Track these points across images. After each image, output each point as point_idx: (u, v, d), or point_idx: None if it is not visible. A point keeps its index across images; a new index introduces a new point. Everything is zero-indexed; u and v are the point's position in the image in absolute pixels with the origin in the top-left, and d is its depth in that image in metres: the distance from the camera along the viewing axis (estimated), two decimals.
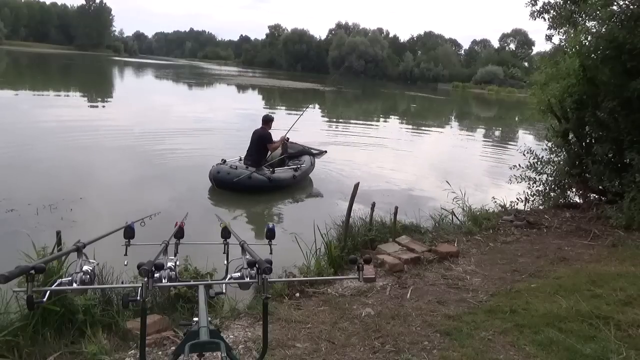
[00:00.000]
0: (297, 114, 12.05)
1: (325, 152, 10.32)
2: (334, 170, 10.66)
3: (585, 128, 7.36)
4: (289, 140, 9.25)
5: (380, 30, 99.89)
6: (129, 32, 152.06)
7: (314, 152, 9.96)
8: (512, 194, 7.80)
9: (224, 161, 8.28)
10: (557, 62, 7.40)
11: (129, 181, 8.46)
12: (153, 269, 1.22)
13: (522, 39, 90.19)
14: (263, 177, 8.05)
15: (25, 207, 6.18)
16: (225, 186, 7.90)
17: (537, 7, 7.75)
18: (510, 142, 20.00)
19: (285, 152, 9.15)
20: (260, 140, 8.50)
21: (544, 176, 7.80)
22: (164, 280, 1.40)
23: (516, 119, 30.55)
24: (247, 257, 1.49)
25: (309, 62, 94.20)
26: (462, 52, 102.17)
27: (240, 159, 8.54)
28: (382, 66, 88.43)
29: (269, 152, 8.84)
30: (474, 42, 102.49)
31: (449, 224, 6.36)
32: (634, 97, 6.30)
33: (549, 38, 8.01)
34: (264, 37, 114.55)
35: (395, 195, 8.72)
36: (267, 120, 8.66)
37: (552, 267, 4.72)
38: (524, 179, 7.83)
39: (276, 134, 8.96)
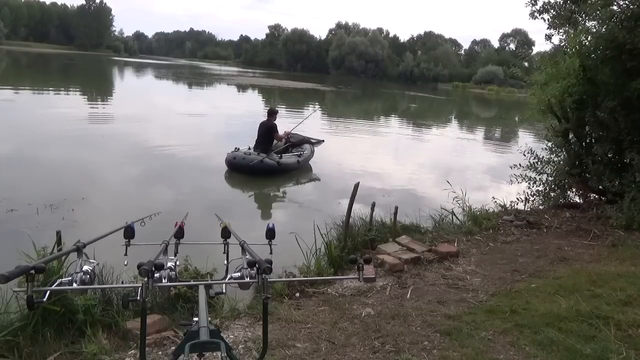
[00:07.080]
0: (297, 113, 12.46)
1: (323, 141, 11.30)
2: (334, 170, 10.70)
3: (585, 128, 7.37)
4: (291, 131, 10.56)
5: (380, 30, 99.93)
6: (129, 32, 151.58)
7: (313, 141, 11.02)
8: (512, 194, 7.80)
9: (237, 149, 9.31)
10: (557, 62, 7.40)
11: (130, 181, 8.47)
12: (153, 269, 1.22)
13: (522, 39, 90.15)
14: (273, 162, 9.20)
15: (26, 207, 6.17)
16: (241, 170, 8.99)
17: (537, 7, 7.77)
18: (510, 142, 19.99)
19: (288, 141, 10.35)
20: (268, 131, 9.59)
21: (544, 176, 7.80)
22: (164, 280, 1.40)
23: (516, 119, 30.48)
24: (247, 257, 1.49)
25: (309, 62, 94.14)
26: (462, 52, 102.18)
27: (249, 148, 9.50)
28: (382, 66, 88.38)
29: (274, 141, 9.89)
30: (474, 42, 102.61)
31: (449, 224, 6.36)
32: (634, 97, 6.31)
33: (548, 38, 8.03)
34: (264, 37, 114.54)
35: (395, 195, 8.72)
36: (272, 113, 9.85)
37: (552, 267, 4.72)
38: (524, 179, 7.83)
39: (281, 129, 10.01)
